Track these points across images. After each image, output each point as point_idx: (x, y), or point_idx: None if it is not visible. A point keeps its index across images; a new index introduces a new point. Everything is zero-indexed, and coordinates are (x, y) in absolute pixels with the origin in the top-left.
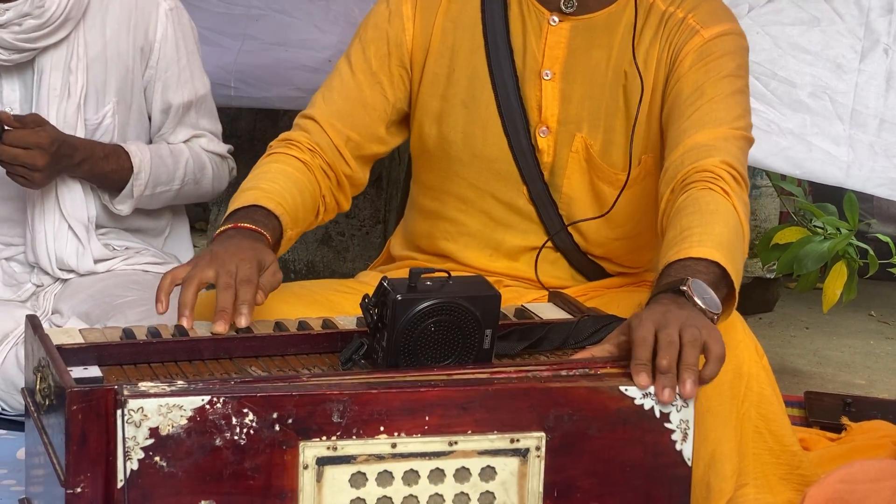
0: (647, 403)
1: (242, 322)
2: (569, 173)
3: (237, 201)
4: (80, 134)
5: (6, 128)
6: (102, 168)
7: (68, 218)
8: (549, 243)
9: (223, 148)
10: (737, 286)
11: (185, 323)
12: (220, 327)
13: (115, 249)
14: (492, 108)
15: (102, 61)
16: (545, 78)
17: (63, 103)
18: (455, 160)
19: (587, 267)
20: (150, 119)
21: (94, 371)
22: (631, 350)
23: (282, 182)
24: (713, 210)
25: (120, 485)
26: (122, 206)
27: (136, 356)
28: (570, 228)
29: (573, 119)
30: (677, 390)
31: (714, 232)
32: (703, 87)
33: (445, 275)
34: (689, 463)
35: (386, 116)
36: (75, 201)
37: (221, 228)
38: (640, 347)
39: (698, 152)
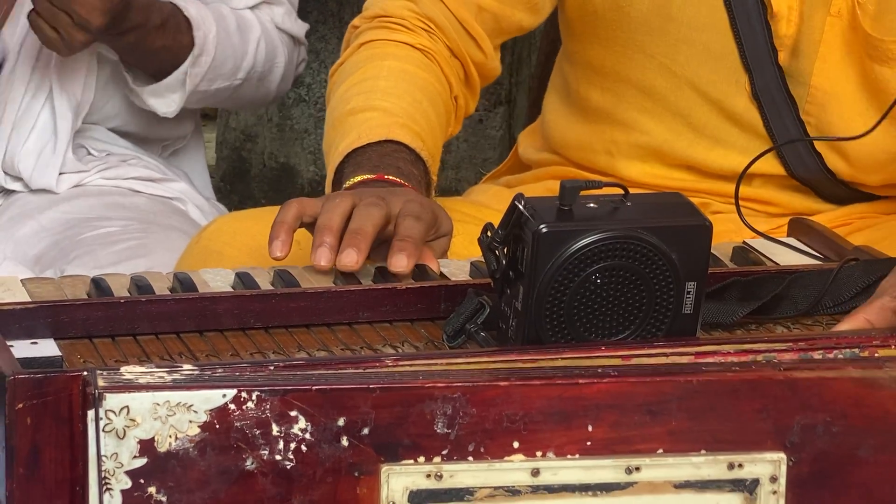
0: None
1: (398, 263)
2: (824, 52)
3: (348, 126)
4: None
5: None
6: (153, 42)
7: (56, 98)
8: (783, 169)
9: (301, 28)
10: None
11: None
12: (350, 258)
13: (90, 155)
14: None
15: None
16: None
17: None
18: (639, 25)
19: (848, 196)
20: None
21: (48, 347)
22: None
23: (407, 92)
24: None
25: None
26: (162, 102)
27: (115, 323)
28: (820, 146)
29: None
30: None
31: None
32: None
33: (621, 192)
34: None
35: None
36: (71, 73)
37: (355, 180)
38: None
39: None
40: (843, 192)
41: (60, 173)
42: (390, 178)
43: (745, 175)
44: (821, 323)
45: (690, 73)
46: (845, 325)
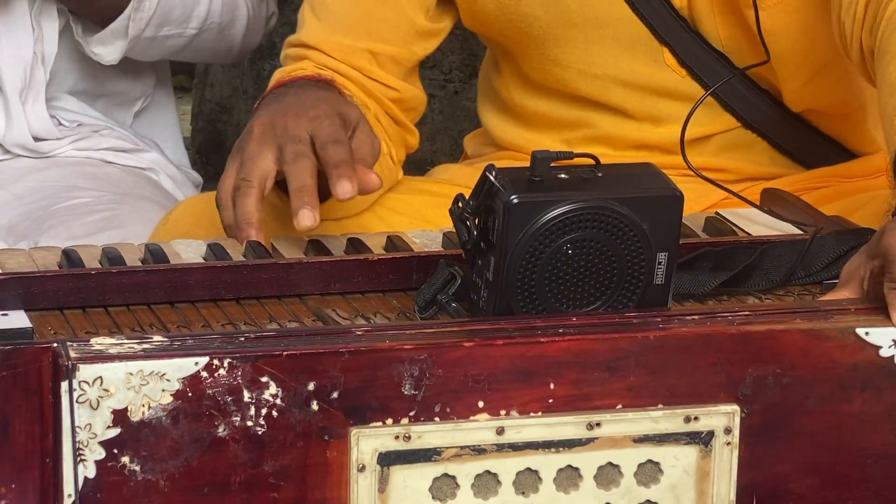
0: None
1: (344, 190)
2: (718, 9)
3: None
4: None
5: None
6: None
7: (1, 54)
8: (735, 121)
9: None
10: None
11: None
12: (307, 219)
13: (61, 125)
14: None
15: None
16: None
17: None
18: (544, 41)
19: (805, 137)
20: None
21: (19, 319)
22: (885, 272)
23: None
24: None
25: (68, 502)
26: (105, 49)
27: (86, 295)
28: (752, 75)
29: None
30: None
31: None
32: None
33: (592, 162)
34: None
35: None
36: (16, 26)
37: (269, 89)
38: None
39: None
40: (801, 133)
41: (37, 139)
42: (299, 75)
43: (699, 140)
44: (793, 293)
45: (610, 69)
46: (850, 292)
